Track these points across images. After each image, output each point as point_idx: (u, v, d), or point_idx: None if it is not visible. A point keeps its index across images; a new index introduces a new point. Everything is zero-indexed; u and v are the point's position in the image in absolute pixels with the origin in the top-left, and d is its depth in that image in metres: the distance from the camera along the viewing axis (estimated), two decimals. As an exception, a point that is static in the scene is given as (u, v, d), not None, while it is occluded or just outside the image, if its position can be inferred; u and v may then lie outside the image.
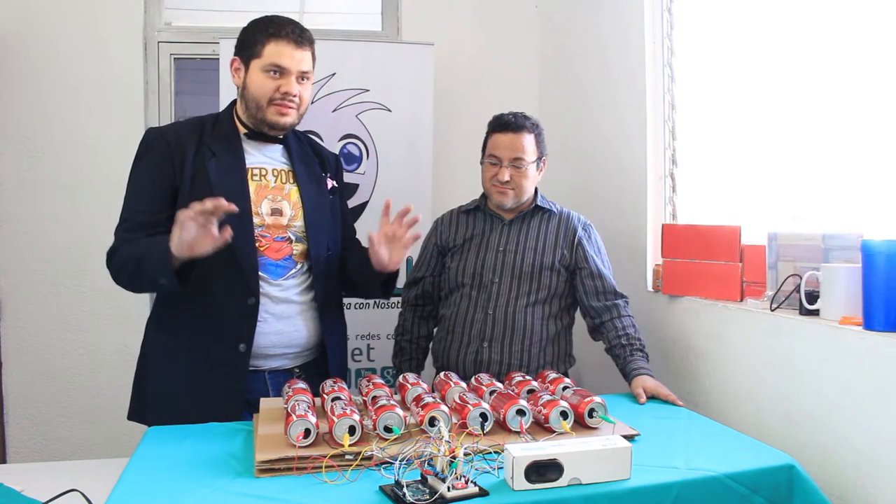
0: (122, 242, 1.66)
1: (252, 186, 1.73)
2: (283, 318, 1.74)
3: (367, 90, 2.68)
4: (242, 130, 1.77)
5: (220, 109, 1.87)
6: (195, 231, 1.48)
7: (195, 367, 1.67)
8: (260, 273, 1.71)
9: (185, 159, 1.69)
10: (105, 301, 2.77)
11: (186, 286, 1.58)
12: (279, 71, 1.69)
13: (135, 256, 1.61)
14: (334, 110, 2.67)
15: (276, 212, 1.75)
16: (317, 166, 1.87)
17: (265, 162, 1.78)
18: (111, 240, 1.70)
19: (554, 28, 3.01)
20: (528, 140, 1.97)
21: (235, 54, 1.74)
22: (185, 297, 1.65)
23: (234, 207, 1.50)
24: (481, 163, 2.03)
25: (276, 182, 1.77)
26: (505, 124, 1.98)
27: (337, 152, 2.32)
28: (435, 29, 2.92)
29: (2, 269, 2.75)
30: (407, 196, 2.61)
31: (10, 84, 2.73)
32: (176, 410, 1.62)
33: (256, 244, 1.70)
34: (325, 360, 1.82)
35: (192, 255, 1.51)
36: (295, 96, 1.71)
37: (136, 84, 2.81)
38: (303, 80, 1.73)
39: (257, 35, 1.70)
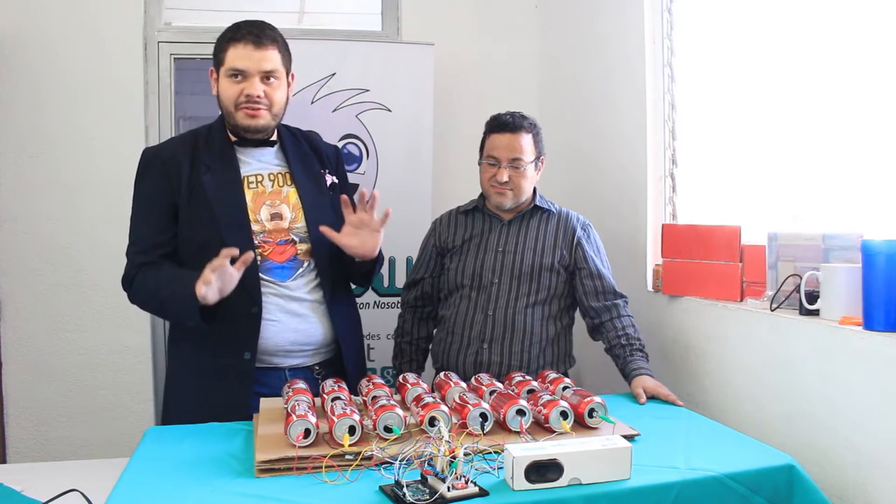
0: (137, 268, 1.70)
1: (249, 195, 1.74)
2: (297, 317, 1.75)
3: (367, 90, 2.68)
4: (233, 139, 1.77)
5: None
6: (218, 280, 1.53)
7: (203, 375, 1.70)
8: (267, 277, 1.72)
9: (181, 176, 1.70)
10: (105, 301, 2.76)
11: (213, 324, 1.61)
12: (240, 74, 1.68)
13: (158, 297, 1.66)
14: (334, 110, 2.66)
15: (276, 216, 1.75)
16: (315, 164, 1.86)
17: (260, 168, 1.78)
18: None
19: (554, 28, 3.01)
20: (526, 140, 1.96)
21: (212, 65, 1.74)
22: None
23: (234, 251, 1.54)
24: (479, 163, 2.03)
25: (273, 187, 1.77)
26: (502, 125, 1.97)
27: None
28: (435, 29, 2.92)
29: (2, 269, 2.74)
30: (407, 196, 2.64)
31: (10, 84, 2.72)
32: (189, 418, 1.62)
33: (259, 250, 1.71)
34: (343, 357, 1.83)
35: (223, 297, 1.57)
36: (259, 97, 1.69)
37: (136, 84, 2.80)
38: (268, 79, 1.70)
39: (221, 42, 1.70)
